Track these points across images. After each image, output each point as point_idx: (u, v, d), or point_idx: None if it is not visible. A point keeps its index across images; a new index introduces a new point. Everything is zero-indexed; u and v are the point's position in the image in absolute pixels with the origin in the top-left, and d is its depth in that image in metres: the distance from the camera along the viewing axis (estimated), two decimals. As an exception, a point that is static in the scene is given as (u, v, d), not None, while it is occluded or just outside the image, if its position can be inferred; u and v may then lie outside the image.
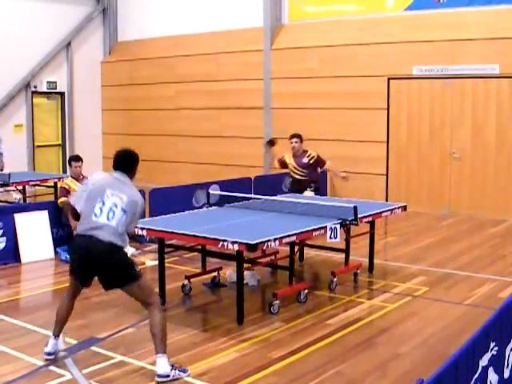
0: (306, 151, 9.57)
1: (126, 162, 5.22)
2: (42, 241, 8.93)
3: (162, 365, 4.86)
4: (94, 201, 5.04)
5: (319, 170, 9.75)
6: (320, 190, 9.90)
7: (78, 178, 9.27)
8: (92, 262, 4.99)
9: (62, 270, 8.33)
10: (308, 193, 9.42)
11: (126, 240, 5.08)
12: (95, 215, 5.00)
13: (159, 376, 4.85)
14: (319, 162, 9.54)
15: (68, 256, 8.58)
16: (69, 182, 9.21)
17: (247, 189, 11.13)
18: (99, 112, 17.77)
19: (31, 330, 6.05)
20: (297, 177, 9.55)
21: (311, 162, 9.46)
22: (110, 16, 17.81)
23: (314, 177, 9.60)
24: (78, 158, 9.37)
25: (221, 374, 5.07)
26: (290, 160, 9.65)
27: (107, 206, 4.99)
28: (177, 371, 4.91)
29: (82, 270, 5.11)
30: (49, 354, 5.30)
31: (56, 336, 5.36)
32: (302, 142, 9.63)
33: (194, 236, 6.24)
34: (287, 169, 9.77)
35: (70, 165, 9.33)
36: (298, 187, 9.53)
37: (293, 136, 9.68)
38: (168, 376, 4.84)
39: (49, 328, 6.02)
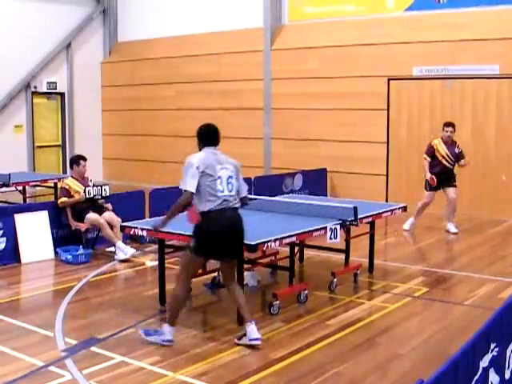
0: (455, 142, 10.47)
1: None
2: (42, 241, 8.92)
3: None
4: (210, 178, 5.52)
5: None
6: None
7: (82, 177, 9.26)
8: (236, 233, 5.64)
9: (62, 271, 8.34)
10: (452, 190, 10.50)
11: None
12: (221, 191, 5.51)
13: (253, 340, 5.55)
14: (462, 153, 10.43)
15: (69, 256, 8.63)
16: (69, 182, 9.21)
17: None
18: (99, 112, 17.76)
19: (31, 330, 6.04)
20: (448, 165, 10.40)
21: (460, 152, 10.41)
22: (110, 16, 17.81)
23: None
24: (85, 158, 9.38)
25: (221, 374, 5.07)
26: (441, 147, 10.39)
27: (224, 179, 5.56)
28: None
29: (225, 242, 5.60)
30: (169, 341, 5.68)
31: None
32: (455, 131, 10.43)
33: (194, 236, 6.23)
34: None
35: (77, 164, 9.23)
36: (445, 176, 10.39)
37: (448, 124, 10.41)
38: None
39: (48, 328, 6.05)
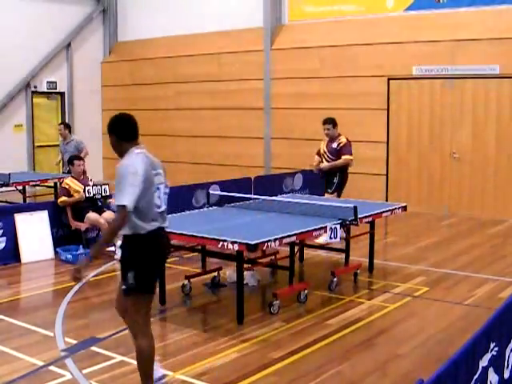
0: (339, 136, 9.66)
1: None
2: (42, 241, 8.92)
3: None
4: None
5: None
6: (341, 188, 9.73)
7: (79, 177, 9.29)
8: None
9: (62, 270, 8.35)
10: (328, 196, 9.51)
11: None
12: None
13: None
14: (343, 150, 9.51)
15: (69, 256, 8.63)
16: (69, 181, 9.22)
17: (247, 189, 11.12)
18: (99, 112, 17.77)
19: (31, 330, 6.04)
20: (325, 162, 9.65)
21: (339, 147, 9.57)
22: (109, 16, 17.82)
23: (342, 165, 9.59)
24: (80, 157, 9.46)
25: (221, 373, 5.07)
26: (323, 145, 9.76)
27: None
28: None
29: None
30: None
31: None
32: (335, 127, 9.69)
33: (194, 236, 6.24)
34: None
35: (72, 164, 9.34)
36: (325, 174, 9.69)
37: (323, 122, 9.76)
38: None
39: (48, 328, 6.06)
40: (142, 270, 4.30)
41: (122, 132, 4.45)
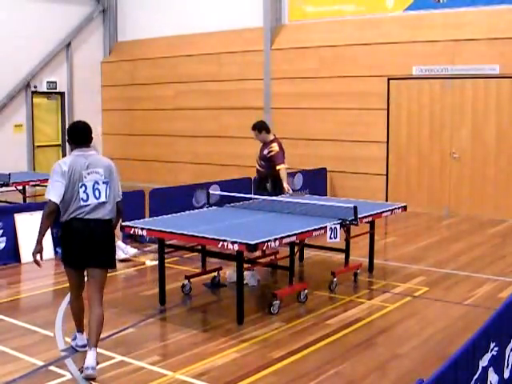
0: (272, 143, 8.91)
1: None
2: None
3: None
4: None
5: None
6: (280, 190, 8.80)
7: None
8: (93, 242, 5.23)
9: (62, 270, 8.28)
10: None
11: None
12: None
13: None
14: (274, 159, 8.82)
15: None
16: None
17: (247, 189, 11.11)
18: (99, 112, 17.76)
19: (31, 330, 6.05)
20: (257, 167, 9.09)
21: (269, 155, 8.86)
22: (109, 16, 17.82)
23: (275, 172, 8.82)
24: None
25: (221, 374, 5.07)
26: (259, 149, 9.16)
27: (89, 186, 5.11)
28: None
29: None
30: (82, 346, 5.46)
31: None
32: (261, 132, 8.91)
33: (194, 236, 6.24)
34: None
35: None
36: (257, 180, 9.16)
37: (251, 127, 9.01)
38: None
39: (48, 328, 6.06)
40: (62, 248, 5.43)
41: (70, 137, 5.21)
